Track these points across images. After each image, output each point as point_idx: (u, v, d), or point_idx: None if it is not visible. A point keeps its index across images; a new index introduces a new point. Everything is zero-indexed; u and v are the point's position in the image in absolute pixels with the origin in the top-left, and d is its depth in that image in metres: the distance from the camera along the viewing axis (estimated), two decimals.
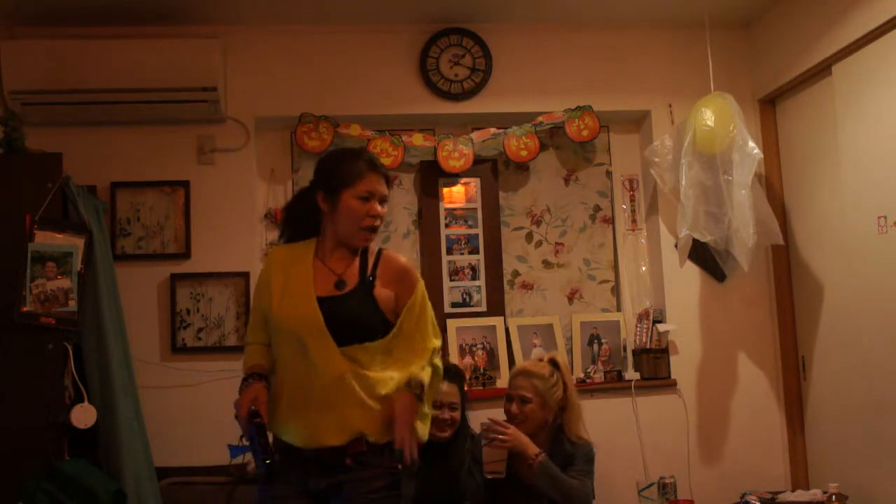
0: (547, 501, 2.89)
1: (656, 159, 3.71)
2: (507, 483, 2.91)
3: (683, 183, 3.49)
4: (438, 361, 2.41)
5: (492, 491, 2.96)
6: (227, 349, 3.60)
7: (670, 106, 3.93)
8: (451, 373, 3.29)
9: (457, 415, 3.21)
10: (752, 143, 3.41)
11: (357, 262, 2.37)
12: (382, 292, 2.33)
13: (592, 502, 3.00)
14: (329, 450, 2.23)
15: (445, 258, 3.96)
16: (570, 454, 2.96)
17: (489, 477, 2.86)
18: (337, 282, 2.31)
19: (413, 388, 2.27)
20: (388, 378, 2.27)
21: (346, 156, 2.40)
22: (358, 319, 2.27)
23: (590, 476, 2.97)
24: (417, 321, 2.35)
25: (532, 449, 2.86)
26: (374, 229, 2.36)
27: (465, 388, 3.41)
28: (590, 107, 3.89)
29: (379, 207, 2.35)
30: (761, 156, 3.44)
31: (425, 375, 2.32)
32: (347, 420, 2.22)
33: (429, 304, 2.43)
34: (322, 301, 2.27)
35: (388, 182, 2.40)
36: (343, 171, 2.33)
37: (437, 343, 2.40)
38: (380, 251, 2.43)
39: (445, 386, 3.20)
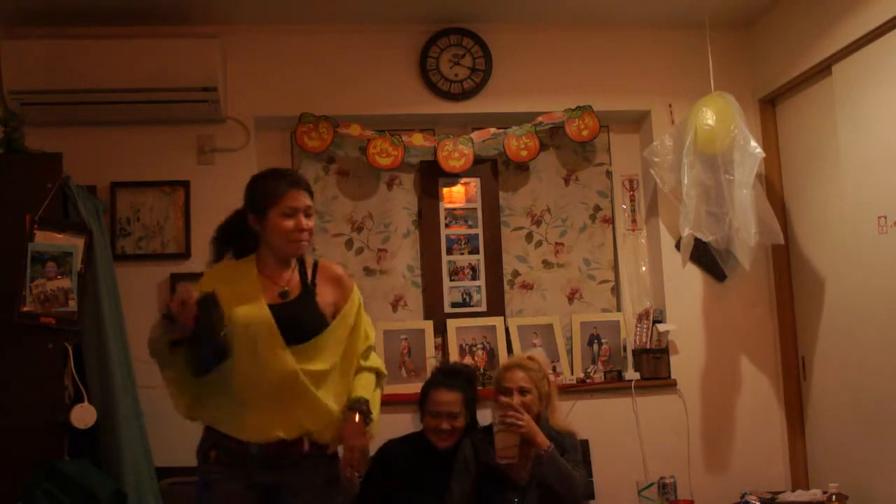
0: (536, 493, 2.89)
1: (656, 159, 3.71)
2: (492, 475, 2.90)
3: (686, 182, 3.49)
4: (380, 364, 2.64)
5: (480, 482, 2.95)
6: None
7: (670, 106, 3.93)
8: (456, 383, 3.26)
9: (458, 423, 3.16)
10: (753, 143, 3.41)
11: (297, 273, 2.55)
12: (323, 298, 2.53)
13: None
14: (276, 444, 2.38)
15: (445, 258, 3.96)
16: (559, 444, 2.96)
17: (503, 462, 2.83)
18: (281, 292, 2.49)
19: (359, 408, 2.45)
20: (331, 385, 2.46)
21: (268, 176, 2.54)
22: (304, 321, 2.45)
23: (581, 465, 2.99)
24: (354, 326, 2.56)
25: (542, 439, 2.86)
26: (303, 241, 2.50)
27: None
28: (590, 107, 3.89)
29: (304, 221, 2.49)
30: (763, 155, 3.44)
31: (367, 387, 2.53)
32: (296, 416, 2.39)
33: (363, 311, 2.63)
34: (270, 307, 2.43)
35: (311, 195, 2.55)
36: (266, 192, 2.48)
37: (370, 342, 2.63)
38: (316, 262, 2.61)
39: (445, 394, 3.19)
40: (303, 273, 2.57)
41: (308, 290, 2.53)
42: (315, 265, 2.60)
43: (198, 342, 2.32)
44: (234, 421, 2.41)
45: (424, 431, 3.25)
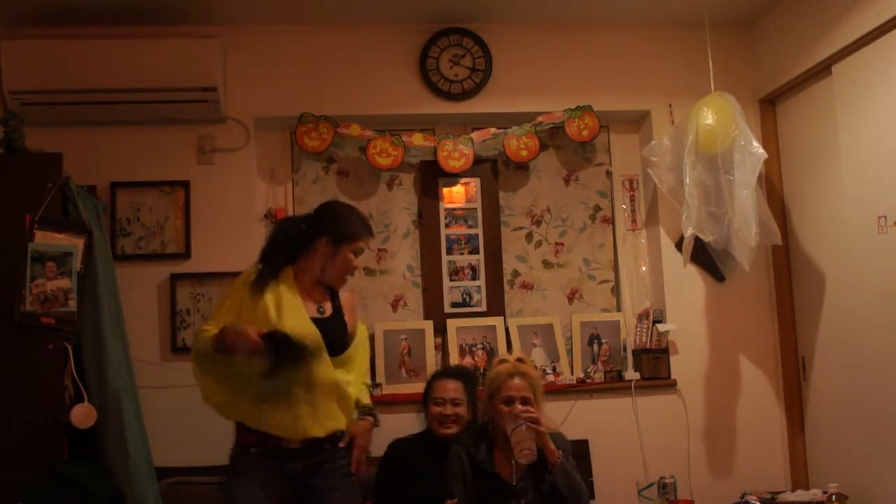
0: (533, 496, 2.88)
1: (654, 159, 3.69)
2: (487, 479, 2.90)
3: (688, 182, 3.48)
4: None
5: (477, 487, 2.94)
6: None
7: (670, 106, 3.93)
8: (458, 373, 3.41)
9: (460, 410, 3.24)
10: (755, 143, 3.40)
11: (327, 294, 2.85)
12: (347, 317, 2.85)
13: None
14: (313, 440, 2.66)
15: (445, 258, 3.95)
16: (557, 447, 2.96)
17: (525, 460, 2.80)
18: (318, 307, 2.78)
19: (369, 413, 2.86)
20: (351, 382, 2.78)
21: (353, 214, 2.87)
22: (341, 336, 2.77)
23: (576, 467, 2.96)
24: (362, 339, 2.92)
25: (553, 447, 2.86)
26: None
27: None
28: (590, 107, 3.89)
29: (359, 263, 2.90)
30: (766, 155, 3.43)
31: (367, 396, 2.89)
32: (332, 418, 2.68)
33: (367, 338, 2.99)
34: (314, 321, 2.70)
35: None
36: (351, 229, 2.81)
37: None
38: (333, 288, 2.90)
39: (448, 382, 3.31)
40: (332, 295, 2.86)
41: (338, 309, 2.83)
42: (335, 291, 2.89)
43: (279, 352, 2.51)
44: (274, 421, 2.63)
45: (428, 423, 3.29)
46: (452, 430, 3.21)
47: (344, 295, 2.91)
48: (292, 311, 2.68)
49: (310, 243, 2.80)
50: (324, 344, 2.66)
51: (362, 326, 2.95)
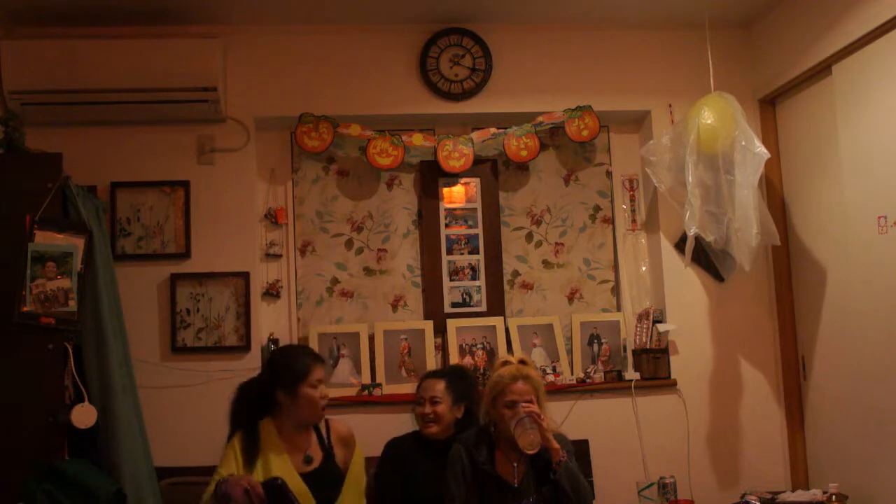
0: (533, 497, 2.88)
1: (653, 158, 3.68)
2: (488, 479, 2.90)
3: (690, 181, 3.47)
4: None
5: (478, 488, 2.94)
6: (227, 349, 3.60)
7: (670, 106, 3.93)
8: (442, 372, 3.40)
9: (439, 409, 3.22)
10: (758, 143, 3.39)
11: (314, 436, 2.83)
12: (338, 458, 2.84)
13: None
14: None
15: (445, 258, 3.95)
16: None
17: (531, 451, 2.82)
18: (305, 458, 2.77)
19: None
20: None
21: (292, 354, 2.87)
22: (331, 487, 2.74)
23: (579, 468, 2.97)
24: (355, 476, 2.86)
25: (557, 446, 2.86)
26: (325, 407, 2.84)
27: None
28: (590, 107, 3.89)
29: (325, 390, 2.84)
30: (768, 155, 3.42)
31: None
32: None
33: (363, 468, 2.93)
34: (301, 476, 2.70)
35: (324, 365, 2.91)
36: (295, 368, 2.78)
37: (360, 488, 2.92)
38: (327, 422, 2.89)
39: (428, 381, 3.32)
40: (319, 436, 2.83)
41: (329, 454, 2.81)
42: (327, 425, 2.87)
43: None
44: None
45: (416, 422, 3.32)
46: (433, 429, 3.22)
47: (338, 428, 2.89)
48: (282, 474, 2.65)
49: (273, 400, 2.82)
50: (314, 501, 2.65)
51: (359, 455, 2.91)
